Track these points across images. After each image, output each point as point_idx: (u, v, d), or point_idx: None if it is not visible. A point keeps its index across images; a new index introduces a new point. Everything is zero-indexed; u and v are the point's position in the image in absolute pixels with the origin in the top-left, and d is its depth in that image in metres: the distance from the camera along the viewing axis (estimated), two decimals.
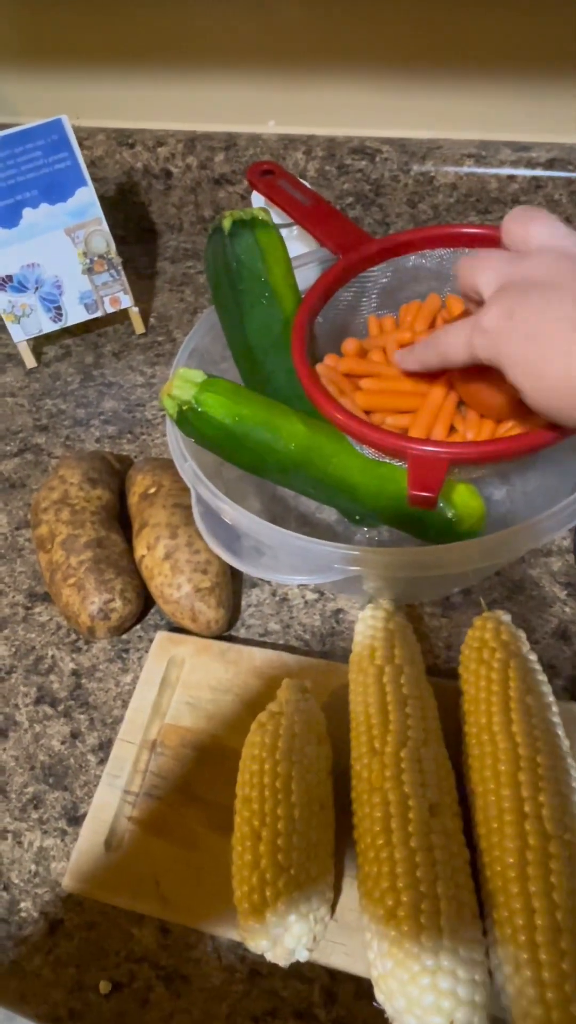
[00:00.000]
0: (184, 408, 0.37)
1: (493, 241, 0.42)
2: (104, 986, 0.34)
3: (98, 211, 0.59)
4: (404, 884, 0.28)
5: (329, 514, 0.49)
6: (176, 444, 0.39)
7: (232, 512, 0.36)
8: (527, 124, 0.59)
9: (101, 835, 0.36)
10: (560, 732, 0.33)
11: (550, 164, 0.58)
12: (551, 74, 0.56)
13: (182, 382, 0.36)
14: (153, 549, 0.44)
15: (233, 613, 0.45)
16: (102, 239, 0.59)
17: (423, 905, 0.28)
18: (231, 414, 0.37)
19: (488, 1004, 0.27)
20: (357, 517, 0.48)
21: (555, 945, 0.26)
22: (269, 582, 0.47)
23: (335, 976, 0.33)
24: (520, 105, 0.59)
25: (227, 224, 0.40)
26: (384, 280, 0.45)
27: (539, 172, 0.58)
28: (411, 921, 0.27)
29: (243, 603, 0.46)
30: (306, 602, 0.46)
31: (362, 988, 0.32)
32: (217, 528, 0.38)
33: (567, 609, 0.43)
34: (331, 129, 0.64)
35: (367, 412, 0.40)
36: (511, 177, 0.59)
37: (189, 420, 0.37)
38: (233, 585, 0.46)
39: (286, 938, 0.29)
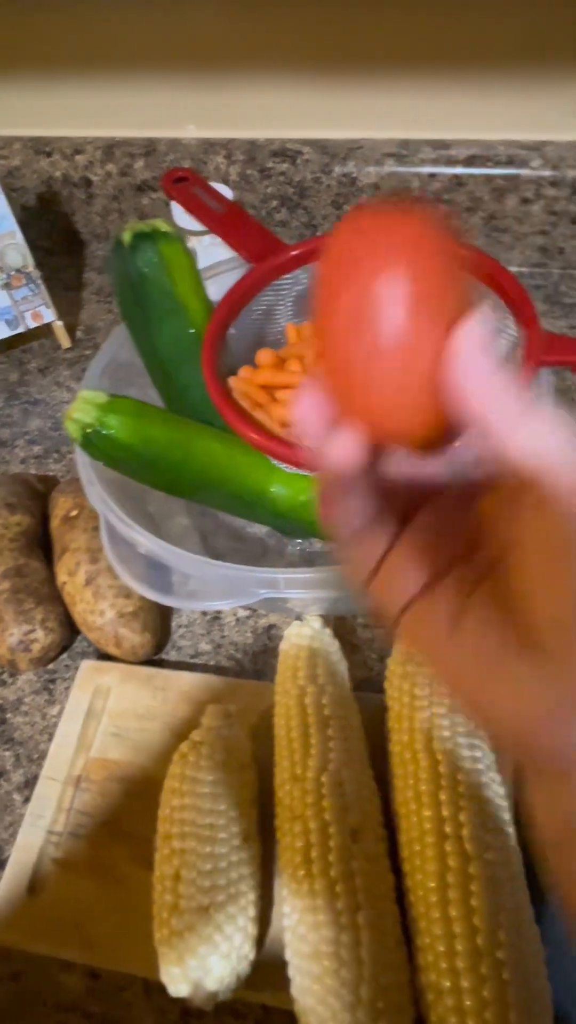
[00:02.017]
0: (88, 431, 0.35)
1: None
2: None
3: (12, 224, 0.57)
4: (325, 917, 0.27)
5: (261, 528, 0.48)
6: (84, 468, 0.38)
7: (143, 540, 0.35)
8: (446, 122, 0.59)
9: (24, 880, 0.35)
10: (484, 745, 0.32)
11: (470, 161, 0.58)
12: (468, 71, 0.56)
13: (83, 404, 0.35)
14: (74, 575, 0.42)
15: (162, 636, 0.44)
16: (17, 253, 0.57)
17: (343, 937, 0.27)
18: (138, 435, 0.35)
19: None
20: (287, 529, 0.47)
21: (475, 971, 0.25)
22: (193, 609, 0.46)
23: (268, 1011, 0.32)
24: (439, 103, 0.58)
25: (127, 237, 0.39)
26: (301, 286, 0.45)
27: (459, 170, 0.58)
28: (331, 956, 0.27)
29: (173, 624, 0.45)
30: (237, 620, 0.45)
31: (295, 1022, 0.31)
32: (129, 556, 0.36)
33: None
34: (251, 132, 0.63)
35: (285, 425, 0.39)
36: (432, 175, 0.59)
37: (95, 443, 0.35)
38: (162, 606, 0.45)
39: (207, 981, 0.28)
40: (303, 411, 0.18)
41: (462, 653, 0.17)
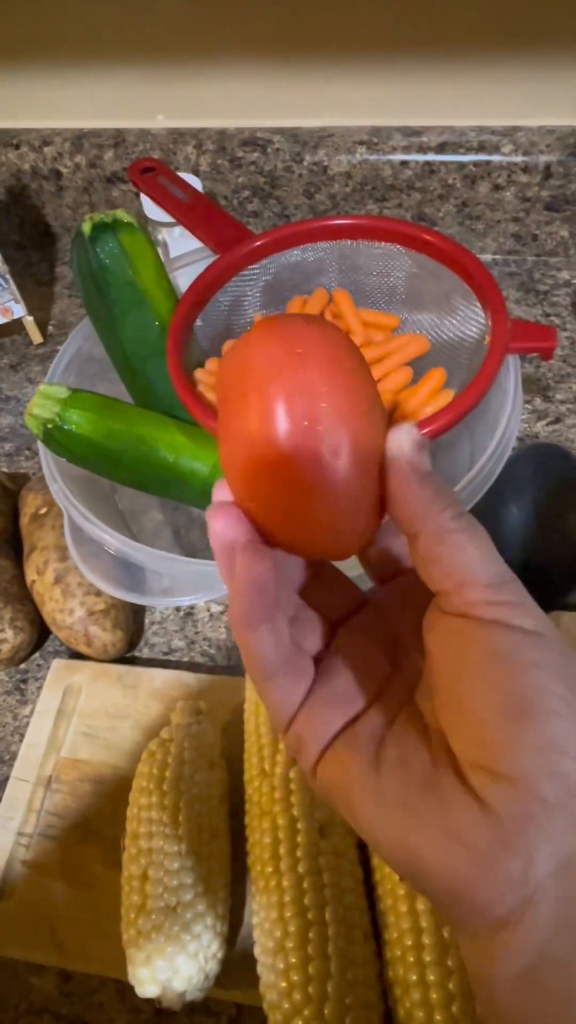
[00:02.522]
0: (49, 427, 0.34)
1: (371, 231, 0.41)
2: None
3: None
4: (292, 913, 0.27)
5: None
6: (46, 464, 0.37)
7: (108, 538, 0.34)
8: (417, 109, 0.58)
9: None
10: None
11: (441, 148, 0.57)
12: (438, 58, 0.55)
13: (43, 399, 0.34)
14: (43, 573, 0.42)
15: (134, 633, 0.44)
16: None
17: (311, 933, 0.27)
18: (100, 430, 0.35)
19: None
20: None
21: (442, 964, 0.25)
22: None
23: (241, 1009, 0.32)
24: (410, 90, 0.58)
25: (87, 228, 0.38)
26: (268, 277, 0.44)
27: (431, 157, 0.57)
28: (298, 951, 0.26)
29: (146, 621, 0.45)
30: (211, 615, 0.45)
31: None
32: (95, 553, 0.36)
33: None
34: (221, 121, 0.62)
35: None
36: (404, 163, 0.58)
37: (56, 439, 0.35)
38: (134, 604, 0.44)
39: (175, 981, 0.28)
40: (219, 532, 0.16)
41: (384, 797, 0.15)
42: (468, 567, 0.15)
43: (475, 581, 0.15)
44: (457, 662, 0.15)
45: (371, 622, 0.19)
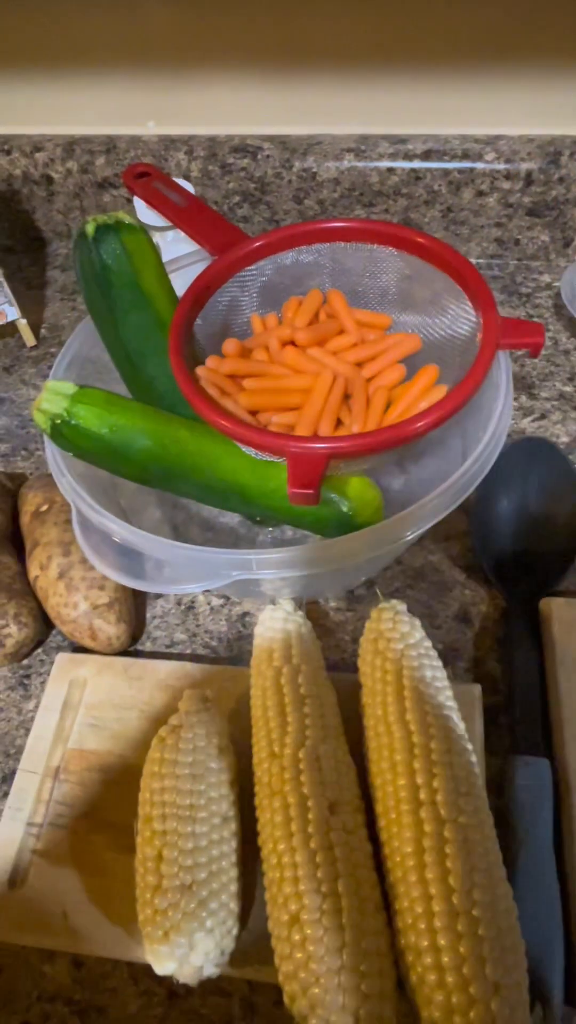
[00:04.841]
0: (57, 422, 0.35)
1: (366, 234, 0.43)
2: None
3: None
4: (306, 887, 0.28)
5: (232, 518, 0.48)
6: (53, 459, 0.38)
7: (115, 528, 0.35)
8: (403, 117, 0.60)
9: (4, 873, 0.35)
10: (455, 716, 0.33)
11: (427, 155, 0.59)
12: (424, 68, 0.57)
13: (52, 395, 0.35)
14: (46, 569, 0.42)
15: (137, 627, 0.44)
16: None
17: (325, 905, 0.28)
18: (107, 424, 0.36)
19: (394, 994, 0.27)
20: (257, 518, 0.47)
21: (452, 929, 0.26)
22: (169, 594, 0.46)
23: (254, 986, 0.33)
24: (396, 99, 0.60)
25: (90, 229, 0.39)
26: (264, 278, 0.45)
27: (417, 164, 0.59)
28: (314, 924, 0.27)
29: (148, 615, 0.45)
30: (212, 608, 0.45)
31: (281, 995, 0.32)
32: (102, 544, 0.37)
33: (467, 592, 0.44)
34: (211, 128, 0.63)
35: (252, 412, 0.40)
36: (391, 170, 0.60)
37: (63, 434, 0.36)
38: (136, 598, 0.45)
39: (192, 956, 0.29)
40: None
41: None
42: None
43: None
44: None
45: None
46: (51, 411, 0.35)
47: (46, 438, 0.38)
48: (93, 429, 0.35)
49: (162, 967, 0.29)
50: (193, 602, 0.46)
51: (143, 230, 0.41)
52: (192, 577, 0.35)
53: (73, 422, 0.35)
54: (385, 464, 0.45)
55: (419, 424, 0.34)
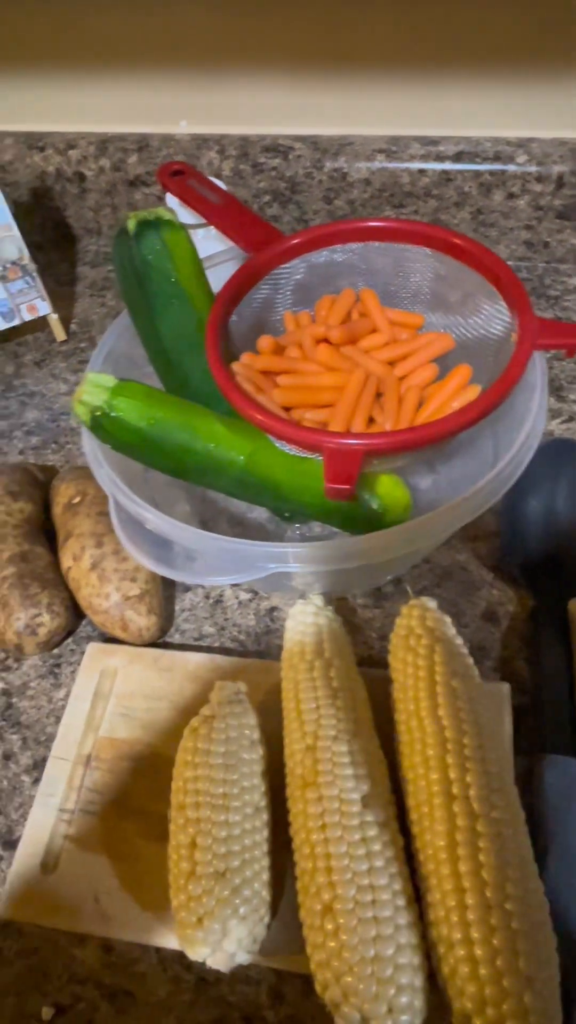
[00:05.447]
0: (97, 414, 0.36)
1: (401, 233, 0.43)
2: (46, 1012, 0.33)
3: (8, 217, 0.57)
4: (338, 878, 0.28)
5: (260, 513, 0.49)
6: (92, 451, 0.38)
7: (151, 517, 0.36)
8: (435, 119, 0.60)
9: (37, 857, 0.35)
10: (486, 712, 0.33)
11: (458, 157, 0.59)
12: (457, 70, 0.57)
13: (92, 387, 0.36)
14: (79, 560, 0.43)
15: (166, 619, 0.45)
16: (14, 246, 0.58)
17: (358, 896, 0.28)
18: (146, 417, 0.36)
19: (426, 985, 0.27)
20: (287, 514, 0.48)
21: (485, 922, 0.27)
22: (202, 585, 0.47)
23: (281, 976, 0.33)
24: (428, 100, 0.60)
25: (132, 225, 0.40)
26: (298, 276, 0.45)
27: (448, 165, 0.59)
28: (347, 914, 0.27)
29: (176, 608, 0.46)
30: (240, 603, 0.46)
31: (309, 985, 0.32)
32: (138, 535, 0.37)
33: (494, 591, 0.44)
34: (243, 128, 0.64)
35: (286, 409, 0.40)
36: (422, 171, 0.60)
37: (103, 426, 0.36)
38: (166, 591, 0.45)
39: (225, 943, 0.29)
40: None
41: None
42: None
43: None
44: None
45: None
46: (92, 403, 0.35)
47: (84, 430, 0.38)
48: (132, 422, 0.36)
49: (195, 952, 0.29)
50: (221, 596, 0.46)
51: (183, 227, 0.42)
52: (226, 569, 0.36)
53: (113, 414, 0.36)
54: (417, 462, 0.46)
55: (457, 422, 0.34)
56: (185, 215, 0.50)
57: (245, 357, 0.42)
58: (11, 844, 0.38)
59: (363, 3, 0.55)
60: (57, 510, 0.47)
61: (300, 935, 0.30)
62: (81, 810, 0.37)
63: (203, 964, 0.30)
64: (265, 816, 0.33)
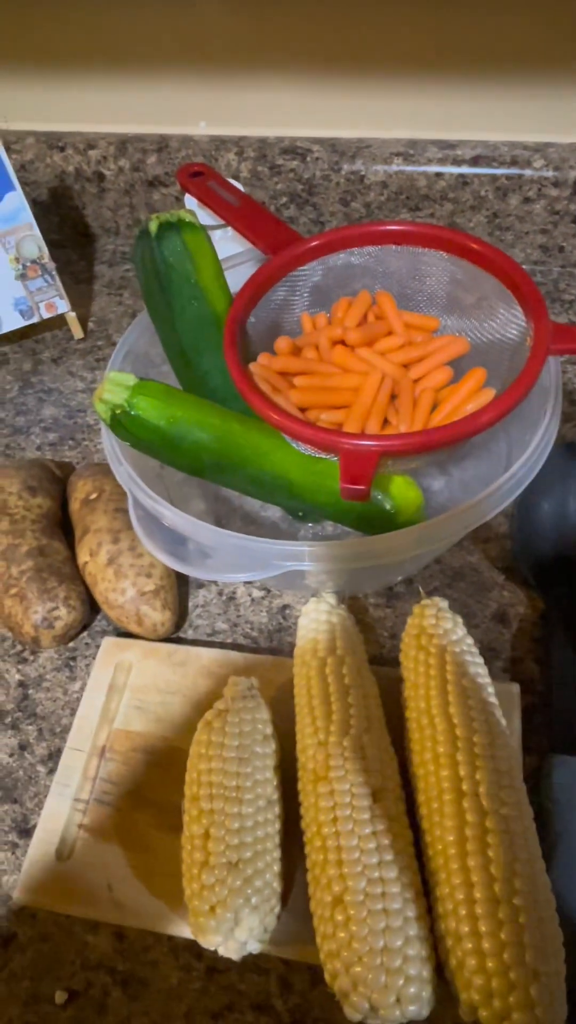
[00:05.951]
0: (117, 412, 0.36)
1: (420, 237, 0.43)
2: (60, 996, 0.34)
3: (28, 216, 0.58)
4: (349, 870, 0.29)
5: (273, 512, 0.49)
6: (111, 448, 0.39)
7: (169, 515, 0.36)
8: (452, 123, 0.61)
9: (52, 845, 0.36)
10: (496, 711, 0.34)
11: (475, 161, 0.60)
12: (474, 74, 0.58)
13: (113, 386, 0.36)
14: (96, 555, 0.44)
15: (180, 615, 0.46)
16: (34, 244, 0.59)
17: (368, 888, 0.28)
18: (165, 416, 0.37)
19: (434, 977, 0.28)
20: (300, 513, 0.48)
21: (493, 916, 0.27)
22: (216, 582, 0.47)
23: (291, 966, 0.33)
24: (445, 104, 0.60)
25: (153, 227, 0.40)
26: (316, 278, 0.46)
27: (465, 169, 0.60)
28: (357, 905, 0.28)
29: (190, 604, 0.47)
30: (253, 600, 0.46)
31: (317, 975, 0.33)
32: (156, 531, 0.38)
33: (505, 593, 0.45)
34: (262, 130, 0.65)
35: (302, 409, 0.41)
36: (439, 175, 0.60)
37: (123, 424, 0.37)
38: (180, 587, 0.46)
39: (237, 931, 0.30)
40: None
41: None
42: None
43: None
44: None
45: None
46: (112, 401, 0.36)
47: (104, 428, 0.39)
48: (152, 420, 0.37)
49: (207, 940, 0.30)
50: (234, 593, 0.47)
51: (203, 229, 0.42)
52: (241, 566, 0.36)
53: (133, 413, 0.36)
54: (432, 464, 0.46)
55: (471, 425, 0.35)
56: (204, 216, 0.51)
57: (262, 358, 0.42)
58: (27, 832, 0.38)
59: (382, 7, 0.56)
60: (74, 506, 0.48)
61: (310, 926, 0.31)
62: (96, 800, 0.38)
63: (214, 953, 0.31)
64: (277, 809, 0.33)
